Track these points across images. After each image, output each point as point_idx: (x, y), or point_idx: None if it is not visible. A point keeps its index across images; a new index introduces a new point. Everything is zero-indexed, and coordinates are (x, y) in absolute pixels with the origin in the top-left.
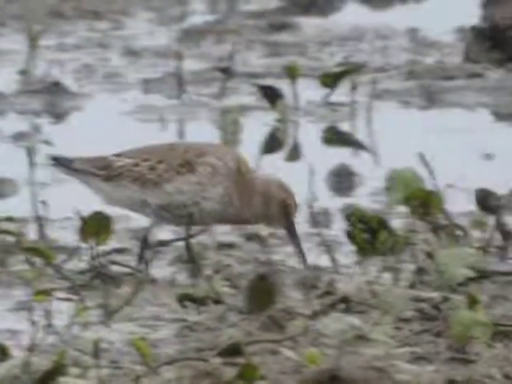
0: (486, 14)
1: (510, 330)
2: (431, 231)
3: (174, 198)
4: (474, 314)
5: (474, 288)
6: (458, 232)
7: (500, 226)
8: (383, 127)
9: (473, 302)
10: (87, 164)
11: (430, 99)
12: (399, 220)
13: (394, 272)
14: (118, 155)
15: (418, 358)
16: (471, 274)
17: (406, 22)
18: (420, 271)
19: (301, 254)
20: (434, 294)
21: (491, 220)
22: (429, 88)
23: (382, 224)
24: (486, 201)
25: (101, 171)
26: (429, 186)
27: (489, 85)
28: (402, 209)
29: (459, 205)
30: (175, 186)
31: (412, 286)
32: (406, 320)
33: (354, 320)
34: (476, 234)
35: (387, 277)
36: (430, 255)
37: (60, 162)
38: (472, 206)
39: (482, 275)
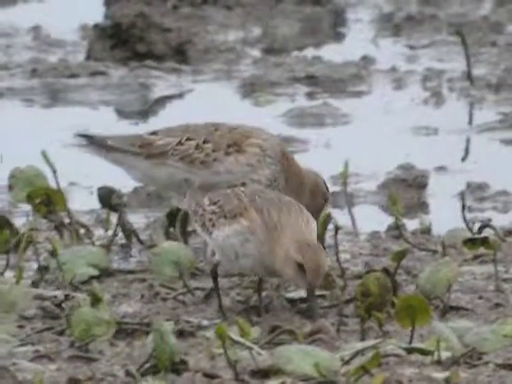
0: (109, 12)
1: (133, 328)
2: (54, 229)
3: (223, 177)
4: (97, 312)
5: (97, 286)
6: (81, 230)
7: (122, 224)
8: (6, 126)
9: (95, 300)
10: (123, 142)
11: (54, 97)
12: (22, 218)
13: (16, 270)
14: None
15: (40, 357)
16: (94, 272)
17: (29, 19)
18: (43, 269)
19: None
20: (57, 293)
21: (114, 218)
22: (52, 86)
23: (5, 222)
24: (108, 199)
25: (140, 149)
26: (52, 184)
27: (112, 82)
28: (26, 207)
29: (82, 203)
30: (224, 166)
31: (35, 284)
32: (29, 318)
33: None
34: (99, 232)
35: (10, 275)
36: (52, 253)
37: (94, 141)
38: (95, 204)
39: (105, 273)
